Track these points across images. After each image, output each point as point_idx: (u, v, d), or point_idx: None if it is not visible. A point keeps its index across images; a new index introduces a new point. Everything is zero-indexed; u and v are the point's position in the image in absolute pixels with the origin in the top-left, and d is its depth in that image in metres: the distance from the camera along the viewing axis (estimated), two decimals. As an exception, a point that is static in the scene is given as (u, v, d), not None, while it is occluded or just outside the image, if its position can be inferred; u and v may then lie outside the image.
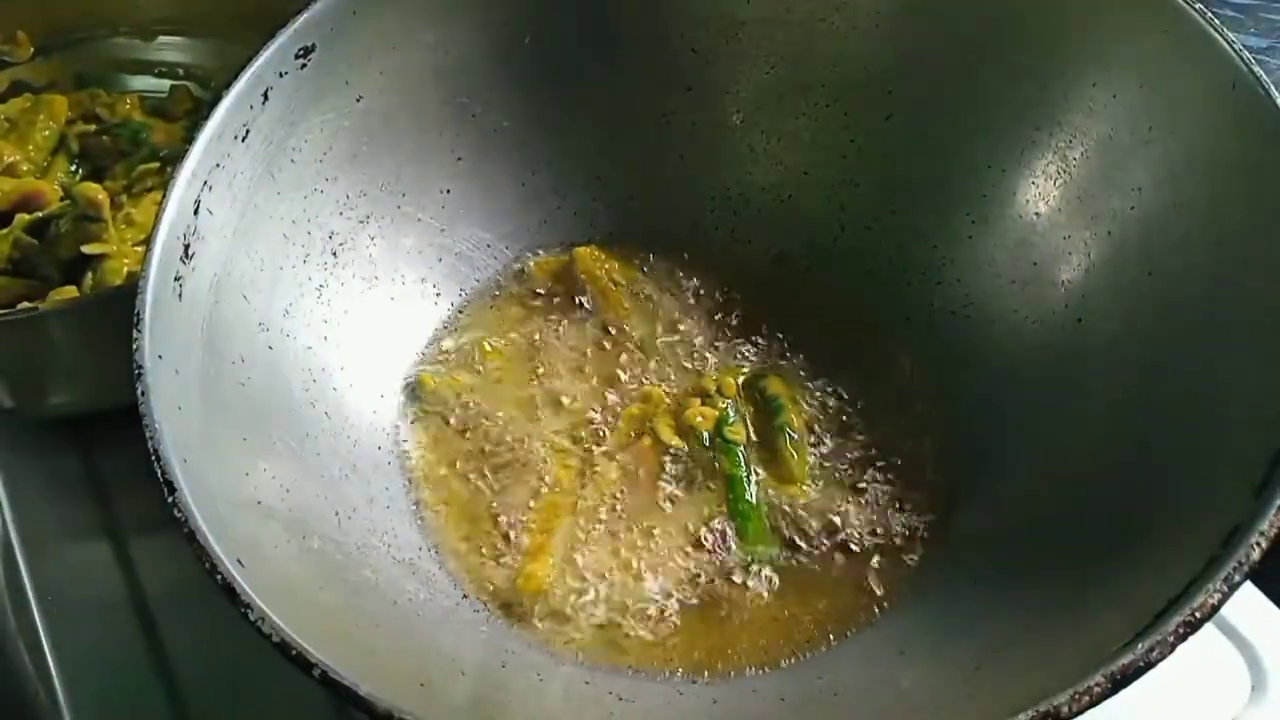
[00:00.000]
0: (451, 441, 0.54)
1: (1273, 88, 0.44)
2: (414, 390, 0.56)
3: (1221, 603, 0.34)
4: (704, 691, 0.45)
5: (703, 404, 0.55)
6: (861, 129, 0.59)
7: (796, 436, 0.54)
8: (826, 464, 0.53)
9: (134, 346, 0.41)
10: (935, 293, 0.57)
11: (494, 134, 0.58)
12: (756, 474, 0.53)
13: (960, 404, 0.53)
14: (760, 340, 0.58)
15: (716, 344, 0.57)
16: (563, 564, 0.50)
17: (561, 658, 0.47)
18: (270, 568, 0.40)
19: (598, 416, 0.55)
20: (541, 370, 0.57)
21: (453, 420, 0.55)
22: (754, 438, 0.54)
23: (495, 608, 0.49)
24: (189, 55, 0.79)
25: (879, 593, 0.49)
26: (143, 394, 0.40)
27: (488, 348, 0.57)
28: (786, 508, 0.52)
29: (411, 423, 0.55)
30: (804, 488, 0.52)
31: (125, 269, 0.64)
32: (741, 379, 0.56)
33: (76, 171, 0.74)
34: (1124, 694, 0.33)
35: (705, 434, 0.54)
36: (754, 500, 0.52)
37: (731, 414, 0.54)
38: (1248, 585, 0.37)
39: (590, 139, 0.60)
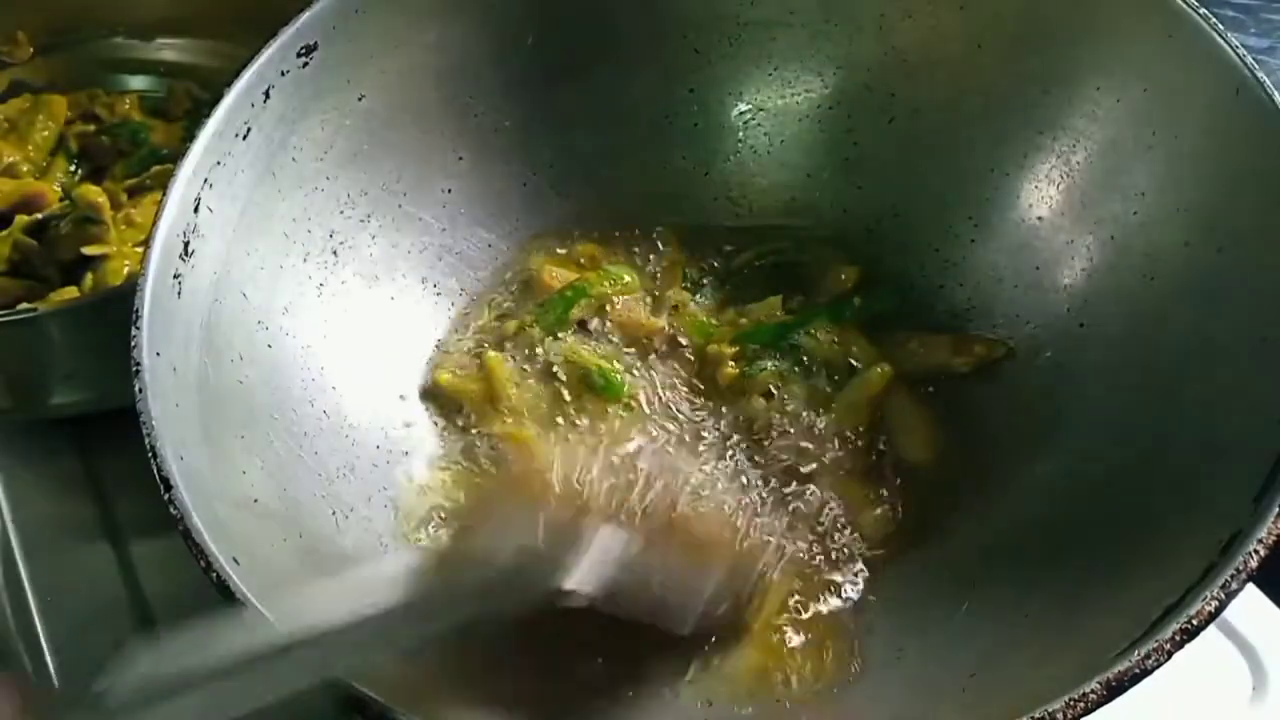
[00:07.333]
0: (452, 441, 0.54)
1: (1275, 92, 0.43)
2: (413, 389, 0.55)
3: (1220, 610, 0.34)
4: (697, 693, 0.45)
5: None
6: (864, 132, 0.59)
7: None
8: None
9: (132, 343, 0.41)
10: (937, 296, 0.57)
11: (495, 134, 0.58)
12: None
13: (959, 408, 0.53)
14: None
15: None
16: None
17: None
18: (266, 566, 0.40)
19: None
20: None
21: (456, 420, 0.55)
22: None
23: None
24: (189, 55, 0.80)
25: (874, 599, 0.48)
26: (140, 391, 0.40)
27: (490, 348, 0.57)
28: None
29: (410, 422, 0.54)
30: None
31: (125, 269, 0.64)
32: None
33: (76, 172, 0.74)
34: (1125, 693, 0.33)
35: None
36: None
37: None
38: (1249, 586, 0.36)
39: (592, 139, 0.60)
